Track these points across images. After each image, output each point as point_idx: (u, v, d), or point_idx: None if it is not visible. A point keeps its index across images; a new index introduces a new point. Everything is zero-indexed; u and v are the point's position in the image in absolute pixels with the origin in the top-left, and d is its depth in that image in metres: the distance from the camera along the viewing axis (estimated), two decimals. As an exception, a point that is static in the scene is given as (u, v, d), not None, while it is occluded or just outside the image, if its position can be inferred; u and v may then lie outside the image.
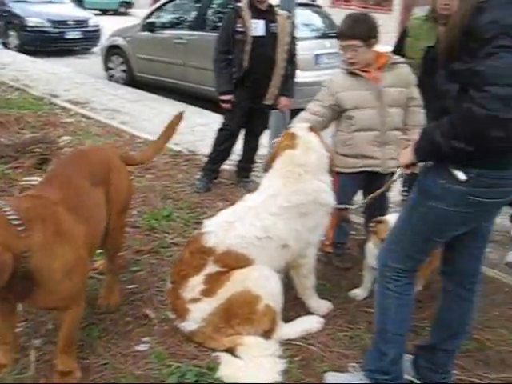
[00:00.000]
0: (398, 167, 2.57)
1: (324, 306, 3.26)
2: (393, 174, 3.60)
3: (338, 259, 3.83)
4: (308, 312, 3.20)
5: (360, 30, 3.32)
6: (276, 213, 2.91)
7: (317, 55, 8.09)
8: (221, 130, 4.98)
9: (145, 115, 7.56)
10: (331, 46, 8.38)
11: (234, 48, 4.60)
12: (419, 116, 3.56)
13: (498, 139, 1.88)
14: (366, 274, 3.48)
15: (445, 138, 2.00)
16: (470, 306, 2.53)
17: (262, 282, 2.80)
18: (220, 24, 8.26)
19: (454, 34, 2.00)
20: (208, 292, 2.76)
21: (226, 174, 5.30)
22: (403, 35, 4.65)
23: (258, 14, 4.58)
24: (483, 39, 1.87)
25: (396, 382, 2.54)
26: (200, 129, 7.04)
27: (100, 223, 2.67)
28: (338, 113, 3.50)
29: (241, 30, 4.54)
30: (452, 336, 2.57)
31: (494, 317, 3.35)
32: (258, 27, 4.57)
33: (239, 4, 4.64)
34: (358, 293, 3.48)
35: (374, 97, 3.41)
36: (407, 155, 2.26)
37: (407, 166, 2.32)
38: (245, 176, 5.22)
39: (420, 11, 7.45)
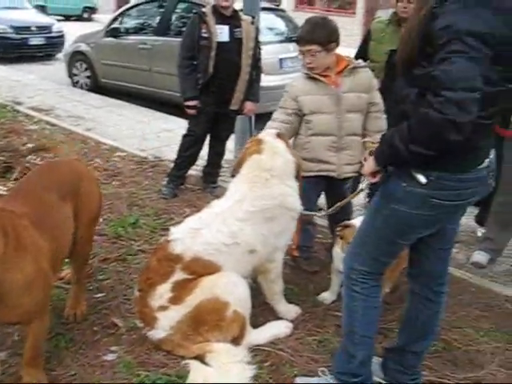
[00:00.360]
0: (357, 176, 2.55)
1: (292, 310, 3.27)
2: (349, 178, 3.68)
3: (305, 263, 3.85)
4: (277, 317, 3.20)
5: (319, 35, 3.33)
6: (242, 218, 2.91)
7: (281, 59, 8.13)
8: (186, 135, 4.96)
9: (110, 121, 7.50)
10: (295, 49, 8.42)
11: (199, 53, 4.59)
12: (380, 122, 3.59)
13: (455, 142, 1.92)
14: (333, 277, 3.51)
15: (403, 143, 2.02)
16: (437, 308, 2.56)
17: (230, 289, 2.79)
18: (184, 29, 8.30)
19: (410, 38, 2.04)
20: (176, 300, 2.74)
21: (192, 180, 5.28)
22: (367, 39, 4.72)
23: (222, 19, 4.59)
24: (437, 44, 1.91)
25: (365, 384, 2.56)
26: (165, 134, 7.01)
27: (66, 236, 2.65)
28: (301, 117, 3.53)
29: (205, 35, 4.53)
30: (420, 337, 2.60)
31: (461, 317, 3.41)
32: (222, 33, 4.57)
33: (203, 9, 4.64)
34: (326, 296, 3.50)
35: (332, 102, 3.43)
36: (370, 164, 2.28)
37: (373, 175, 2.33)
38: (211, 181, 5.21)
39: (383, 14, 7.54)
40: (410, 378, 2.67)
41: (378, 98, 3.58)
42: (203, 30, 4.54)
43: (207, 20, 4.54)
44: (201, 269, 2.80)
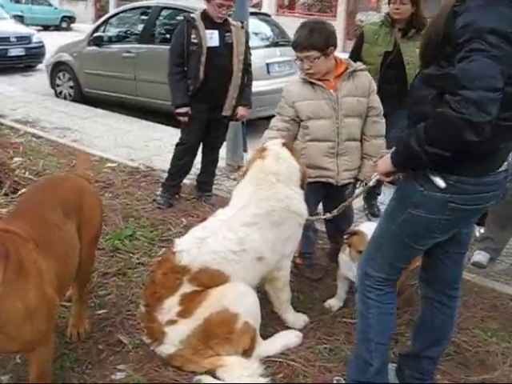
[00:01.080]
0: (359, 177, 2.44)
1: (301, 319, 3.21)
2: (348, 184, 3.63)
3: (308, 270, 3.79)
4: (285, 326, 3.14)
5: (317, 40, 3.25)
6: (249, 222, 2.84)
7: (268, 64, 8.08)
8: (179, 144, 4.87)
9: (96, 132, 7.37)
10: (282, 54, 8.43)
11: (189, 60, 4.51)
12: (379, 126, 3.55)
13: (472, 143, 1.86)
14: (339, 284, 3.46)
15: (420, 144, 1.97)
16: (452, 312, 2.52)
17: (239, 299, 2.72)
18: (169, 36, 8.21)
19: (429, 39, 2.00)
20: (185, 313, 2.66)
21: (186, 189, 5.20)
22: (359, 41, 4.68)
23: (212, 24, 4.52)
24: (457, 43, 1.86)
25: (382, 392, 2.51)
26: (155, 143, 6.93)
27: (73, 256, 2.54)
28: (299, 123, 3.48)
29: (195, 41, 4.46)
30: (436, 342, 2.55)
31: (468, 318, 3.39)
32: (213, 38, 4.51)
33: (192, 15, 4.57)
34: (333, 303, 3.45)
35: (330, 106, 3.37)
36: (386, 163, 2.22)
37: (387, 174, 2.28)
38: (206, 190, 5.13)
39: (363, 16, 7.54)
40: (426, 384, 2.63)
41: (377, 101, 3.53)
42: (193, 36, 4.46)
43: (197, 25, 4.47)
44: (209, 280, 2.72)
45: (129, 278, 3.55)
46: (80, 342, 2.87)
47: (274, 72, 8.18)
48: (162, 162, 6.05)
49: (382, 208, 4.76)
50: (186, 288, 2.71)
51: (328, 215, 3.23)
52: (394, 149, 2.17)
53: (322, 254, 4.11)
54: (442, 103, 1.91)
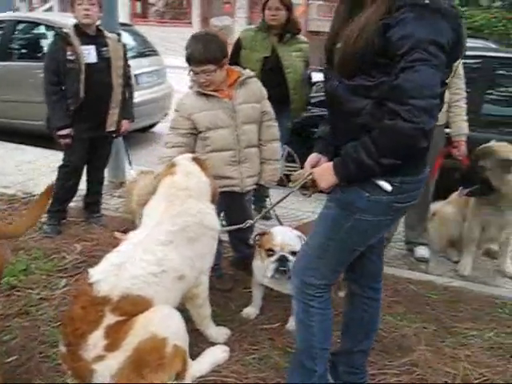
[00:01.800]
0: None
1: (223, 332, 3.20)
2: (249, 191, 3.67)
3: (218, 281, 3.75)
4: (208, 343, 3.10)
5: (212, 54, 3.24)
6: (164, 240, 2.75)
7: (136, 75, 7.85)
8: (63, 166, 4.60)
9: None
10: (149, 64, 8.30)
11: (67, 78, 4.27)
12: (273, 130, 3.62)
13: (423, 149, 1.97)
14: (254, 291, 3.48)
15: (372, 158, 2.01)
16: (378, 304, 2.64)
17: (165, 323, 2.61)
18: (26, 51, 7.73)
19: (354, 51, 2.02)
20: (112, 346, 2.50)
21: (73, 212, 4.93)
22: (237, 48, 4.73)
23: (87, 39, 4.33)
24: (396, 54, 1.92)
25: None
26: (27, 167, 6.50)
27: None
28: (196, 135, 3.44)
29: (72, 58, 4.23)
30: (366, 336, 2.65)
31: (376, 306, 3.54)
32: (89, 53, 4.31)
33: (65, 30, 4.33)
34: (250, 312, 3.47)
35: (227, 115, 3.38)
36: (328, 180, 2.21)
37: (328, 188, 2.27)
38: (95, 211, 4.92)
39: (217, 22, 7.65)
40: (359, 377, 2.71)
41: (268, 106, 3.60)
42: (69, 53, 4.23)
43: (71, 41, 4.24)
44: (132, 307, 2.58)
45: (33, 316, 3.28)
46: (-6, 396, 2.61)
47: (143, 83, 8.02)
48: (40, 186, 5.62)
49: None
50: (109, 319, 2.55)
51: (250, 222, 3.22)
52: (338, 164, 2.17)
53: (227, 264, 4.10)
54: (381, 113, 1.97)
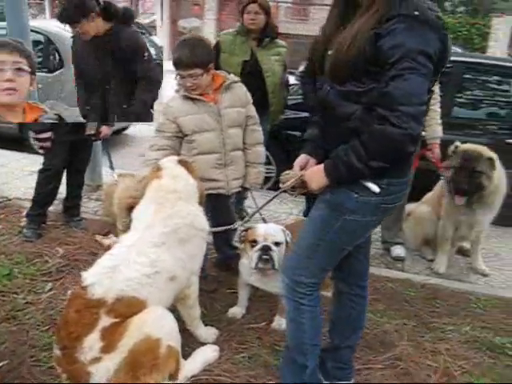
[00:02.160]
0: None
1: (212, 332, 3.26)
2: (233, 194, 3.74)
3: (202, 283, 3.79)
4: (198, 343, 3.15)
5: (199, 58, 3.30)
6: (157, 242, 2.80)
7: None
8: (43, 170, 4.58)
9: None
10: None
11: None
12: (257, 134, 3.71)
13: (411, 153, 2.09)
14: (240, 291, 3.54)
15: (362, 162, 2.10)
16: (365, 301, 2.73)
17: (159, 323, 2.66)
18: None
19: (346, 58, 2.10)
20: (108, 348, 2.53)
21: (52, 216, 4.90)
22: (216, 52, 4.76)
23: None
24: (387, 63, 2.01)
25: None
26: (0, 170, 6.41)
27: None
28: (182, 138, 3.49)
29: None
30: (353, 332, 2.75)
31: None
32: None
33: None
34: (236, 312, 3.53)
35: (213, 119, 3.45)
36: (319, 182, 2.30)
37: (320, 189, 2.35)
38: (74, 214, 4.91)
39: (186, 23, 7.65)
40: (347, 373, 2.81)
41: (253, 111, 3.68)
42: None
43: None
44: (126, 308, 2.62)
45: (20, 321, 3.27)
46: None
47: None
48: (15, 190, 5.69)
49: (250, 211, 4.94)
50: (105, 322, 2.58)
51: (239, 222, 3.29)
52: (329, 167, 2.25)
53: (211, 265, 4.16)
54: (371, 118, 2.06)
